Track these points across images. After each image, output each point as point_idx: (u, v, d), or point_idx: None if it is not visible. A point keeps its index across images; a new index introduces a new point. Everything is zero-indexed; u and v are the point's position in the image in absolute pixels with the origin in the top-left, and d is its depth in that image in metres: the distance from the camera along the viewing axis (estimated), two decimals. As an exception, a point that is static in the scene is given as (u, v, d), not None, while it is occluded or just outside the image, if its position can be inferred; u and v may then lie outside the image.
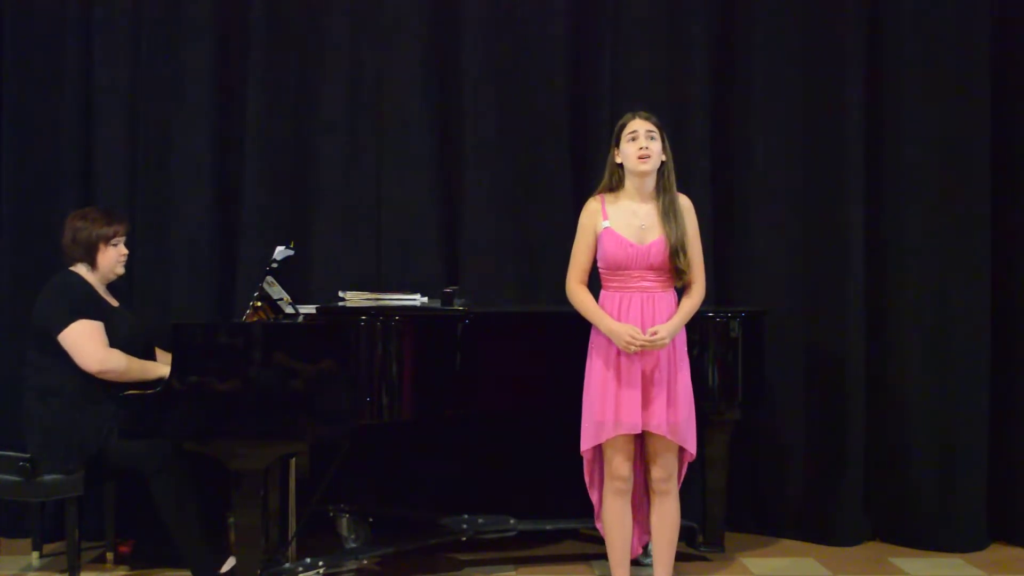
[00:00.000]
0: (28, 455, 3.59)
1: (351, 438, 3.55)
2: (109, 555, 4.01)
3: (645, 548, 3.65)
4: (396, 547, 3.91)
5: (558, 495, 4.32)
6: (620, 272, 3.34)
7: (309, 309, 3.84)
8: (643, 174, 3.34)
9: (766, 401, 4.26)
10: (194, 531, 3.56)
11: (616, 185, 3.41)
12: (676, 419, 3.30)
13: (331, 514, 4.10)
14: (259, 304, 3.75)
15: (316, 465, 3.94)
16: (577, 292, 3.40)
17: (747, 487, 4.44)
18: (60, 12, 4.37)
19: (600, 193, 3.43)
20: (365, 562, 3.89)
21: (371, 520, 4.08)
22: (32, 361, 3.67)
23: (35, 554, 3.99)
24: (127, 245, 3.84)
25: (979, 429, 4.27)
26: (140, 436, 3.44)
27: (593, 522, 3.53)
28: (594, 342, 3.38)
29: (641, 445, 3.40)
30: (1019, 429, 4.35)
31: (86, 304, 3.63)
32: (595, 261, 3.42)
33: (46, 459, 3.57)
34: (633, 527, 3.47)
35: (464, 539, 3.97)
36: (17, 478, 3.58)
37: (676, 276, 3.34)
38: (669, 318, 3.31)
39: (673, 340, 3.32)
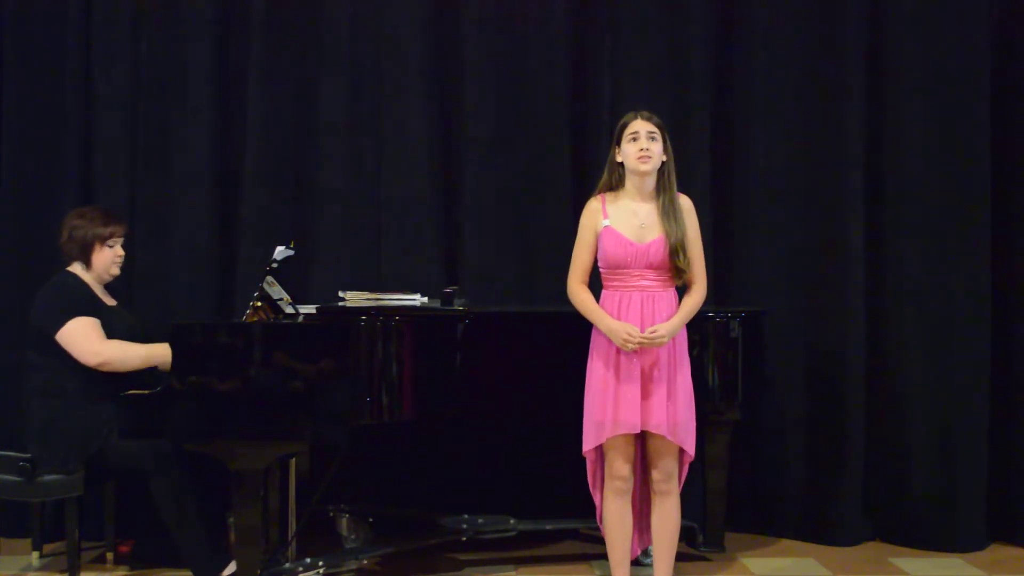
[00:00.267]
0: (28, 455, 3.59)
1: (351, 438, 3.54)
2: (109, 555, 4.01)
3: (645, 550, 3.65)
4: (396, 547, 3.92)
5: (558, 495, 4.31)
6: (620, 271, 3.35)
7: (309, 309, 3.84)
8: (643, 175, 3.34)
9: (766, 401, 4.27)
10: (194, 531, 3.56)
11: (616, 184, 3.41)
12: (675, 419, 3.30)
13: (331, 514, 4.10)
14: (259, 304, 3.75)
15: (316, 465, 3.94)
16: (577, 292, 3.41)
17: (747, 487, 4.44)
18: (60, 12, 4.37)
19: (601, 192, 3.43)
20: (365, 562, 3.89)
21: (371, 520, 4.09)
22: (32, 361, 3.67)
23: (35, 554, 3.98)
24: (125, 247, 3.84)
25: (979, 429, 4.27)
26: (140, 436, 3.44)
27: (594, 522, 3.53)
28: (595, 342, 3.38)
29: (642, 446, 3.40)
30: (1019, 429, 4.35)
31: (82, 303, 3.63)
32: (596, 261, 3.42)
33: (46, 459, 3.57)
34: (634, 530, 3.47)
35: (464, 539, 3.97)
36: (17, 478, 3.58)
37: (676, 275, 3.34)
38: (669, 317, 3.31)
39: (673, 340, 3.32)
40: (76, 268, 3.75)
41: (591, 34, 4.51)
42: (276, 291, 3.76)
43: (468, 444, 4.40)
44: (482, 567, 3.99)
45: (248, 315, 3.75)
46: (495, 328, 3.76)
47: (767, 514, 4.45)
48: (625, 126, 3.36)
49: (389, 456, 4.35)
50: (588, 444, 3.36)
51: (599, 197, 3.42)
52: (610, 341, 3.31)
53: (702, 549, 4.13)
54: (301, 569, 3.61)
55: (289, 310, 3.80)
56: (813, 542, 4.34)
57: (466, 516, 4.07)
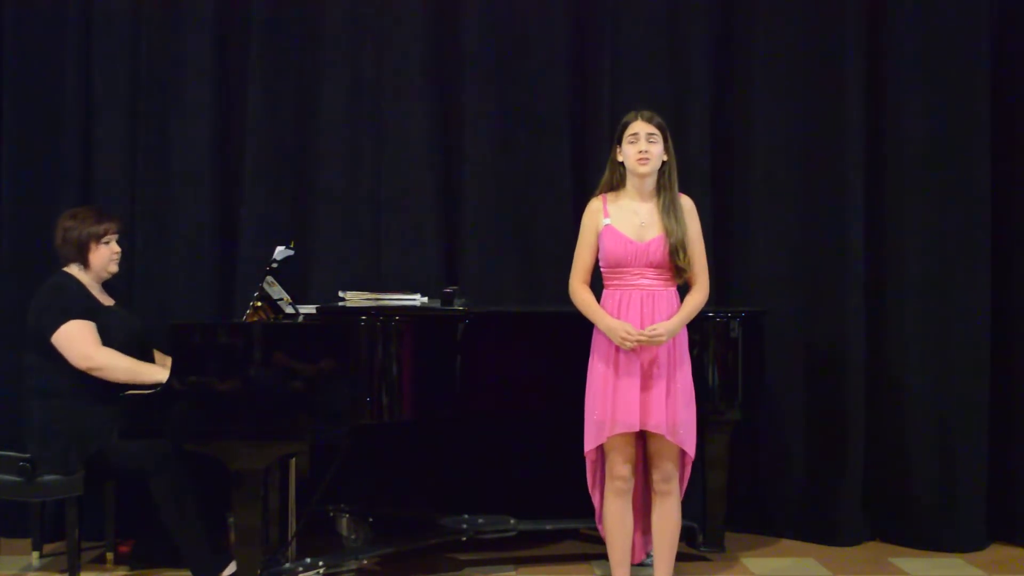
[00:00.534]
0: (28, 455, 3.59)
1: (351, 438, 3.54)
2: (109, 555, 4.01)
3: (648, 553, 3.63)
4: (396, 547, 3.92)
5: (558, 495, 4.31)
6: (620, 269, 3.35)
7: (309, 309, 3.84)
8: (642, 176, 3.35)
9: (766, 401, 4.27)
10: (194, 531, 3.56)
11: (618, 182, 3.41)
12: (675, 419, 3.30)
13: (331, 514, 4.10)
14: (259, 304, 3.75)
15: (316, 465, 3.94)
16: (578, 291, 3.41)
17: (747, 487, 4.44)
18: (60, 12, 4.37)
19: (602, 192, 3.44)
20: (365, 562, 3.89)
21: (371, 520, 4.08)
22: (30, 363, 3.66)
23: (35, 554, 3.98)
24: (124, 245, 3.84)
25: (979, 429, 4.27)
26: (140, 436, 3.44)
27: (594, 522, 3.53)
28: (595, 342, 3.38)
29: (643, 447, 3.40)
30: (1019, 429, 4.35)
31: (77, 305, 3.62)
32: (598, 261, 3.42)
33: (46, 460, 3.57)
34: (637, 534, 3.47)
35: (464, 539, 3.97)
36: (17, 478, 3.58)
37: (676, 274, 3.34)
38: (670, 316, 3.31)
39: (673, 339, 3.32)
40: (73, 269, 3.75)
41: (591, 34, 4.51)
42: (276, 291, 3.76)
43: (468, 444, 4.40)
44: (482, 567, 3.99)
45: (248, 315, 3.75)
46: (495, 328, 3.75)
47: (767, 514, 4.45)
48: (626, 126, 3.36)
49: (389, 456, 4.35)
50: (589, 444, 3.36)
51: (600, 197, 3.42)
52: (611, 340, 3.31)
53: (702, 549, 4.13)
54: (301, 569, 3.61)
55: (289, 310, 3.80)
56: (813, 542, 4.34)
57: (466, 516, 4.07)
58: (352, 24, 4.47)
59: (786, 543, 4.36)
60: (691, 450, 3.35)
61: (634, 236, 3.33)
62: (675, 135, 3.41)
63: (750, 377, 3.95)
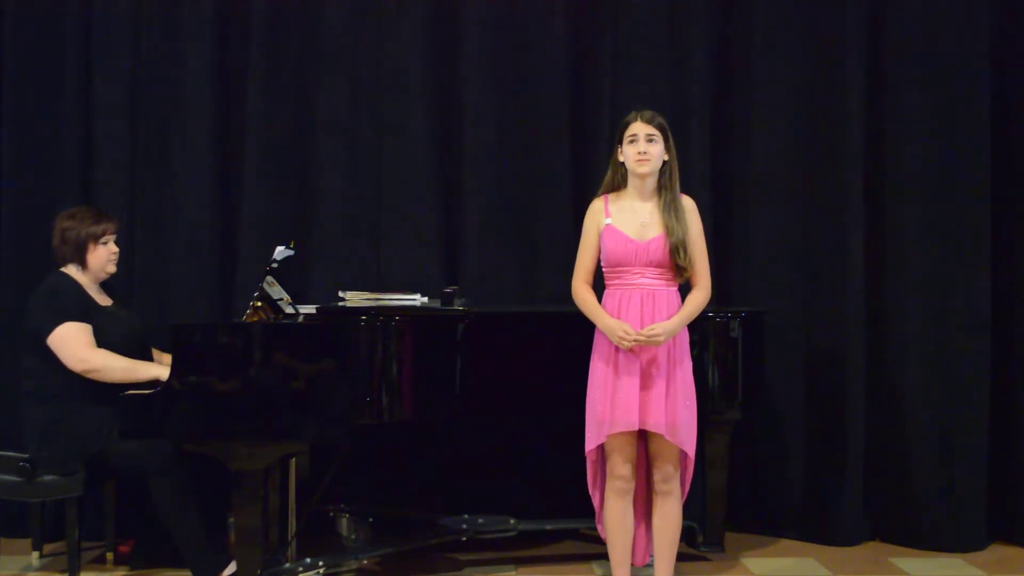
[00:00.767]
0: (28, 455, 3.59)
1: (351, 438, 3.54)
2: (109, 555, 4.01)
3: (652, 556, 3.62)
4: (396, 547, 3.92)
5: (558, 495, 4.32)
6: (620, 269, 3.35)
7: (309, 309, 3.84)
8: (642, 176, 3.35)
9: (766, 401, 4.27)
10: (194, 531, 3.56)
11: (619, 182, 3.42)
12: (674, 419, 3.30)
13: (331, 514, 4.10)
14: (259, 304, 3.75)
15: (316, 465, 3.94)
16: (580, 291, 3.41)
17: (747, 487, 4.44)
18: (60, 12, 4.37)
19: (604, 192, 3.44)
20: (365, 562, 3.89)
21: (371, 520, 4.08)
22: (28, 365, 3.66)
23: (35, 554, 3.98)
24: (125, 245, 3.84)
25: (979, 429, 4.27)
26: (140, 437, 3.43)
27: (593, 522, 3.52)
28: (596, 342, 3.38)
29: (645, 447, 3.40)
30: (1019, 429, 4.35)
31: (73, 306, 3.62)
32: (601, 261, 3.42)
33: (45, 460, 3.57)
34: (640, 536, 3.47)
35: (464, 539, 3.97)
36: (17, 478, 3.58)
37: (677, 273, 3.34)
38: (670, 316, 3.31)
39: (673, 339, 3.31)
40: (70, 269, 3.74)
41: (591, 34, 4.51)
42: (276, 291, 3.76)
43: (468, 444, 4.40)
44: (482, 567, 3.99)
45: (248, 315, 3.75)
46: (495, 328, 3.75)
47: (767, 514, 4.45)
48: (626, 127, 3.36)
49: (389, 456, 4.36)
50: (590, 443, 3.36)
51: (602, 197, 3.43)
52: (611, 340, 3.31)
53: (702, 549, 4.13)
54: (301, 569, 3.61)
55: (289, 310, 3.80)
56: (813, 542, 4.34)
57: (466, 516, 4.06)
58: (352, 24, 4.47)
59: (786, 543, 4.36)
60: (691, 451, 3.35)
61: (635, 235, 3.33)
62: (675, 135, 3.41)
63: (750, 377, 3.95)
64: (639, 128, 3.33)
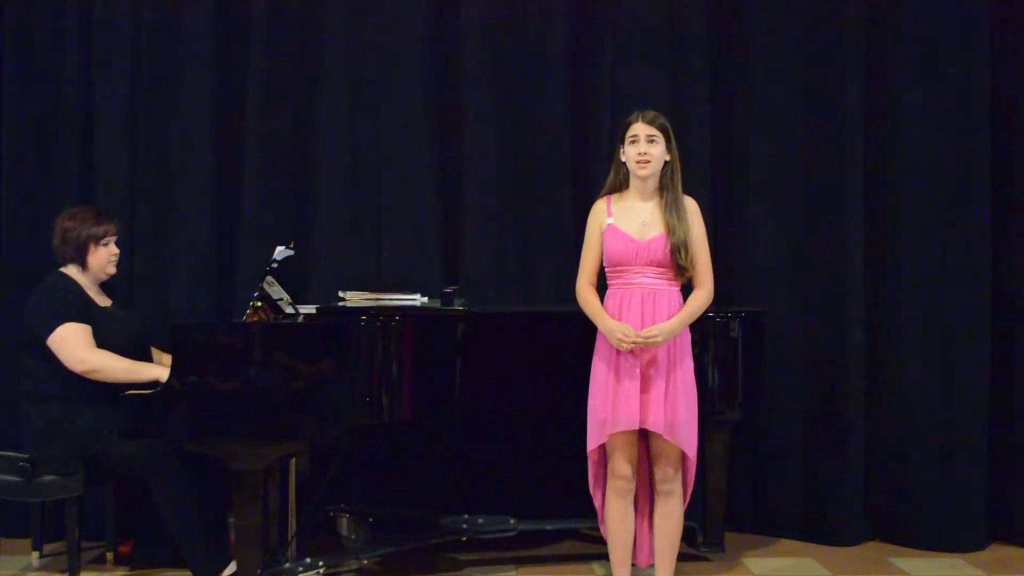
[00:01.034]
0: (28, 455, 3.59)
1: (351, 438, 3.54)
2: (109, 555, 4.01)
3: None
4: (396, 547, 3.91)
5: (558, 495, 4.32)
6: (621, 268, 3.35)
7: (309, 309, 3.84)
8: (643, 178, 3.35)
9: (766, 401, 4.26)
10: (194, 532, 3.56)
11: (621, 182, 3.42)
12: (674, 419, 3.29)
13: (331, 514, 4.10)
14: (259, 304, 3.75)
15: (316, 465, 3.94)
16: (583, 292, 3.41)
17: (747, 487, 4.44)
18: (60, 13, 4.36)
19: (607, 193, 3.44)
20: (365, 562, 3.89)
21: (371, 520, 4.08)
22: (27, 366, 3.66)
23: (35, 554, 3.98)
24: (125, 246, 3.83)
25: (979, 429, 4.27)
26: (140, 437, 3.43)
27: (594, 522, 3.52)
28: (598, 342, 3.38)
29: (647, 448, 3.40)
30: (1019, 429, 4.35)
31: (73, 306, 3.61)
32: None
33: (45, 460, 3.57)
34: (644, 538, 3.47)
35: (464, 539, 3.97)
36: (17, 478, 3.58)
37: (678, 273, 3.34)
38: (670, 316, 3.31)
39: (673, 339, 3.31)
40: (70, 270, 3.74)
41: (591, 34, 4.50)
42: (276, 291, 3.76)
43: (468, 444, 4.40)
44: (482, 567, 3.99)
45: (248, 315, 3.75)
46: (495, 328, 3.75)
47: (767, 514, 4.45)
48: (627, 127, 3.36)
49: (389, 456, 4.36)
50: (591, 443, 3.36)
51: (605, 198, 3.43)
52: (610, 342, 3.31)
53: (702, 549, 4.13)
54: (301, 569, 3.61)
55: (289, 310, 3.80)
56: (813, 542, 4.34)
57: (466, 516, 4.06)
58: (352, 24, 4.46)
59: (786, 543, 4.36)
60: (690, 451, 3.34)
61: (636, 235, 3.33)
62: (675, 134, 3.41)
63: (750, 377, 3.95)
64: (640, 129, 3.33)
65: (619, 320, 3.31)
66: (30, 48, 4.38)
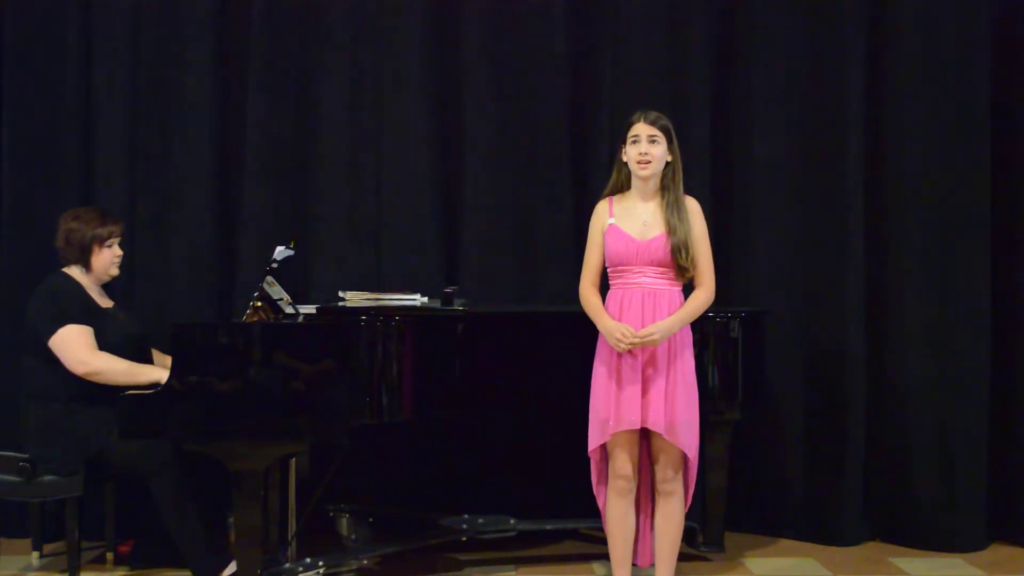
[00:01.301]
0: (28, 455, 3.59)
1: (351, 438, 3.54)
2: (109, 555, 4.01)
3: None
4: (396, 547, 3.91)
5: (558, 495, 4.32)
6: (622, 268, 3.36)
7: (309, 309, 3.83)
8: (643, 179, 3.35)
9: (766, 401, 4.26)
10: (194, 532, 3.56)
11: (624, 182, 3.42)
12: (673, 419, 3.29)
13: (331, 514, 4.10)
14: (259, 304, 3.75)
15: (316, 465, 3.94)
16: (585, 293, 3.42)
17: (747, 487, 4.44)
18: (60, 12, 4.37)
19: (610, 193, 3.45)
20: (365, 562, 3.89)
21: (371, 520, 4.08)
22: (28, 365, 3.66)
23: (35, 554, 3.99)
24: (125, 246, 3.83)
25: (979, 429, 4.27)
26: (140, 437, 3.43)
27: (593, 521, 3.53)
28: (600, 343, 3.38)
29: (648, 448, 3.40)
30: (1019, 429, 4.35)
31: (74, 308, 3.61)
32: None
33: (45, 460, 3.57)
34: (647, 538, 3.47)
35: (464, 539, 3.97)
36: (17, 478, 3.58)
37: (679, 273, 3.34)
38: (670, 316, 3.31)
39: (671, 338, 3.31)
40: (73, 270, 3.73)
41: (591, 34, 4.50)
42: (276, 291, 3.76)
43: (468, 444, 4.40)
44: (482, 567, 3.99)
45: (248, 315, 3.75)
46: (495, 328, 3.75)
47: (767, 514, 4.45)
48: (630, 127, 3.36)
49: (389, 456, 4.35)
50: (593, 443, 3.37)
51: (607, 199, 3.44)
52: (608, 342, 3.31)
53: (702, 549, 4.13)
54: (301, 569, 3.61)
55: (289, 310, 3.80)
56: (813, 542, 4.34)
57: (466, 516, 4.07)
58: (352, 24, 4.46)
59: (786, 543, 4.36)
60: (690, 452, 3.34)
61: (636, 234, 3.34)
62: (675, 134, 3.41)
63: (750, 377, 3.95)
64: (642, 129, 3.33)
65: (619, 320, 3.31)
66: (30, 48, 4.37)
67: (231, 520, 3.52)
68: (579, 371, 3.43)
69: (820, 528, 4.35)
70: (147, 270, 4.36)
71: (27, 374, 3.67)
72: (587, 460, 3.43)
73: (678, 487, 3.39)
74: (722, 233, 4.43)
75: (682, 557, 3.53)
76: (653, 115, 3.35)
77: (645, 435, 3.37)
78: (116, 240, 3.78)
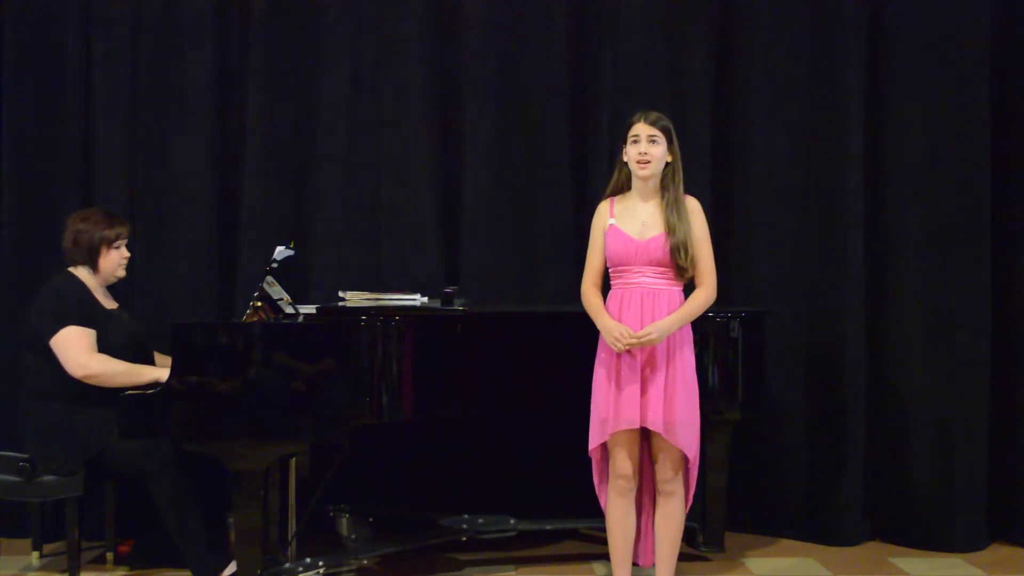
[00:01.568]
0: (28, 455, 3.59)
1: (351, 438, 3.54)
2: (109, 555, 4.01)
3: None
4: (396, 547, 3.91)
5: (558, 495, 4.32)
6: (622, 268, 3.36)
7: (309, 309, 3.84)
8: (643, 179, 3.36)
9: (766, 401, 4.26)
10: (194, 531, 3.56)
11: (624, 182, 3.43)
12: (672, 418, 3.30)
13: (331, 514, 4.10)
14: (259, 304, 3.75)
15: (316, 465, 3.94)
16: (587, 294, 3.43)
17: (747, 487, 4.44)
18: (60, 12, 4.36)
19: (611, 194, 3.45)
20: (365, 562, 3.89)
21: (371, 520, 4.08)
22: (29, 364, 3.66)
23: (35, 554, 3.99)
24: (127, 247, 3.83)
25: (979, 429, 4.27)
26: (140, 437, 3.43)
27: (593, 521, 3.53)
28: (600, 342, 3.39)
29: (649, 448, 3.40)
30: (1019, 429, 4.35)
31: (78, 309, 3.61)
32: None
33: (45, 460, 3.57)
34: (648, 538, 3.47)
35: (464, 539, 3.97)
36: (17, 478, 3.58)
37: (679, 273, 3.34)
38: (669, 315, 3.31)
39: (670, 338, 3.31)
40: (80, 271, 3.73)
41: (591, 34, 4.50)
42: (276, 291, 3.76)
43: (468, 444, 4.40)
44: (482, 567, 3.99)
45: (248, 315, 3.75)
46: (495, 328, 3.75)
47: (767, 514, 4.45)
48: (630, 127, 3.37)
49: (389, 456, 4.35)
50: (594, 442, 3.37)
51: (608, 200, 3.45)
52: (607, 342, 3.31)
53: (702, 549, 4.13)
54: (301, 569, 3.61)
55: (289, 310, 3.80)
56: (813, 542, 4.34)
57: (466, 516, 4.07)
58: (352, 24, 4.46)
59: (786, 543, 4.36)
60: (690, 452, 3.34)
61: (636, 234, 3.34)
62: (675, 134, 3.41)
63: (750, 377, 3.95)
64: (642, 129, 3.33)
65: (619, 319, 3.31)
66: (30, 48, 4.37)
67: (231, 520, 3.52)
68: (579, 371, 3.43)
69: (820, 528, 4.35)
70: (147, 270, 4.35)
71: (28, 372, 3.67)
72: (587, 460, 3.44)
73: (678, 487, 3.39)
74: (722, 233, 4.41)
75: (682, 557, 3.54)
76: (653, 115, 3.35)
77: (646, 435, 3.37)
78: (123, 241, 3.78)
